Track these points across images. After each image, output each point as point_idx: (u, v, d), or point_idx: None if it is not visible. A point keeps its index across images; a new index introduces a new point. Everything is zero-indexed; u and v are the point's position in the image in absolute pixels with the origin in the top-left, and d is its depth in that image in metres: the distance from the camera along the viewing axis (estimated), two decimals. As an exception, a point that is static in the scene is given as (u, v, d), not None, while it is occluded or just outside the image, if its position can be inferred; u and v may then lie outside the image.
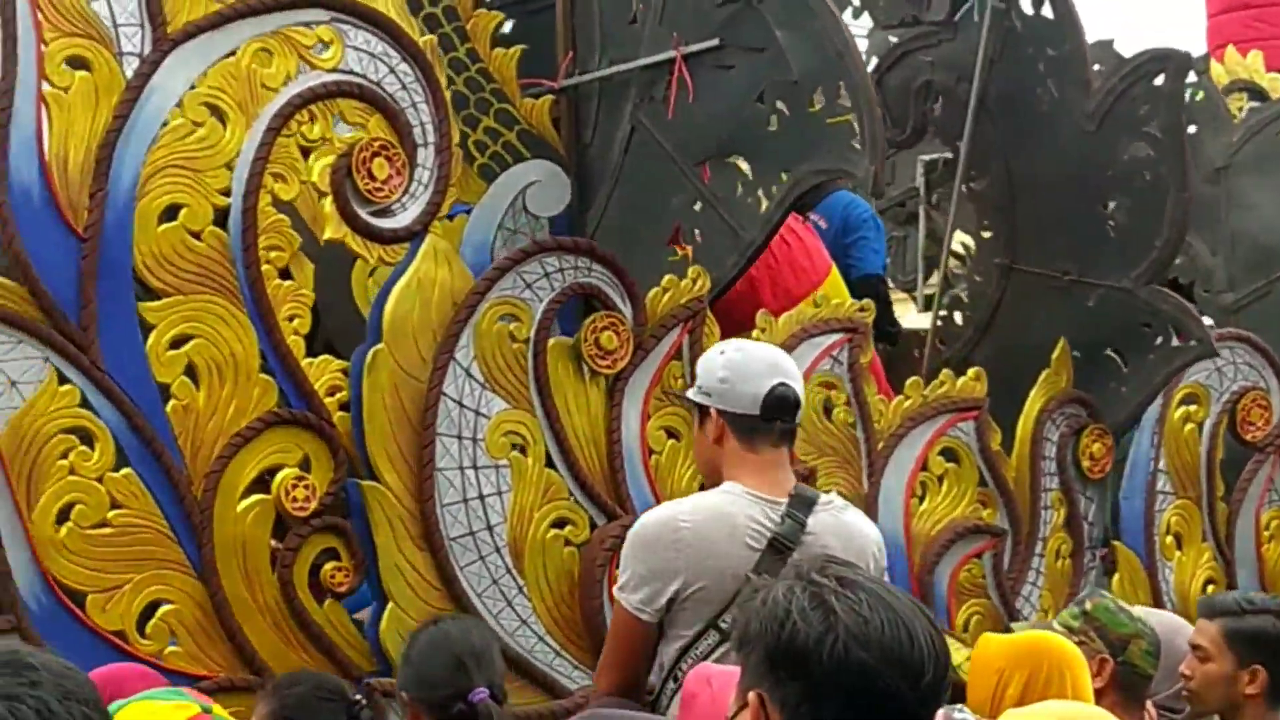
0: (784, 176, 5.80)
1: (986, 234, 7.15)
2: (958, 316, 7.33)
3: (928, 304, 7.89)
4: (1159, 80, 6.40)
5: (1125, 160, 6.51)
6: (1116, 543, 6.70)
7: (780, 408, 4.37)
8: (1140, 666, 4.47)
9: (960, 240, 7.81)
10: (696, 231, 6.10)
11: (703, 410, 4.43)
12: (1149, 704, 4.60)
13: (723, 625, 4.20)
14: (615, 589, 4.42)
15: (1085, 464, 6.55)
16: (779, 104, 5.83)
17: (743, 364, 4.40)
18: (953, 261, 7.65)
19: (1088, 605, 4.58)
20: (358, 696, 4.22)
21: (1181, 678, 4.72)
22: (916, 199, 8.05)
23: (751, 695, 2.34)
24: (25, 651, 2.03)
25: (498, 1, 6.59)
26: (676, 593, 4.25)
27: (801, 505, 4.33)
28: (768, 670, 2.33)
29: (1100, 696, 4.28)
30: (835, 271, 6.83)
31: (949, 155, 7.57)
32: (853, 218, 7.25)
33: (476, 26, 6.44)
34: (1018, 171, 6.82)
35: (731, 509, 4.29)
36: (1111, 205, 6.57)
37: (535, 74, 6.48)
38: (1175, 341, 6.54)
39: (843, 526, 4.41)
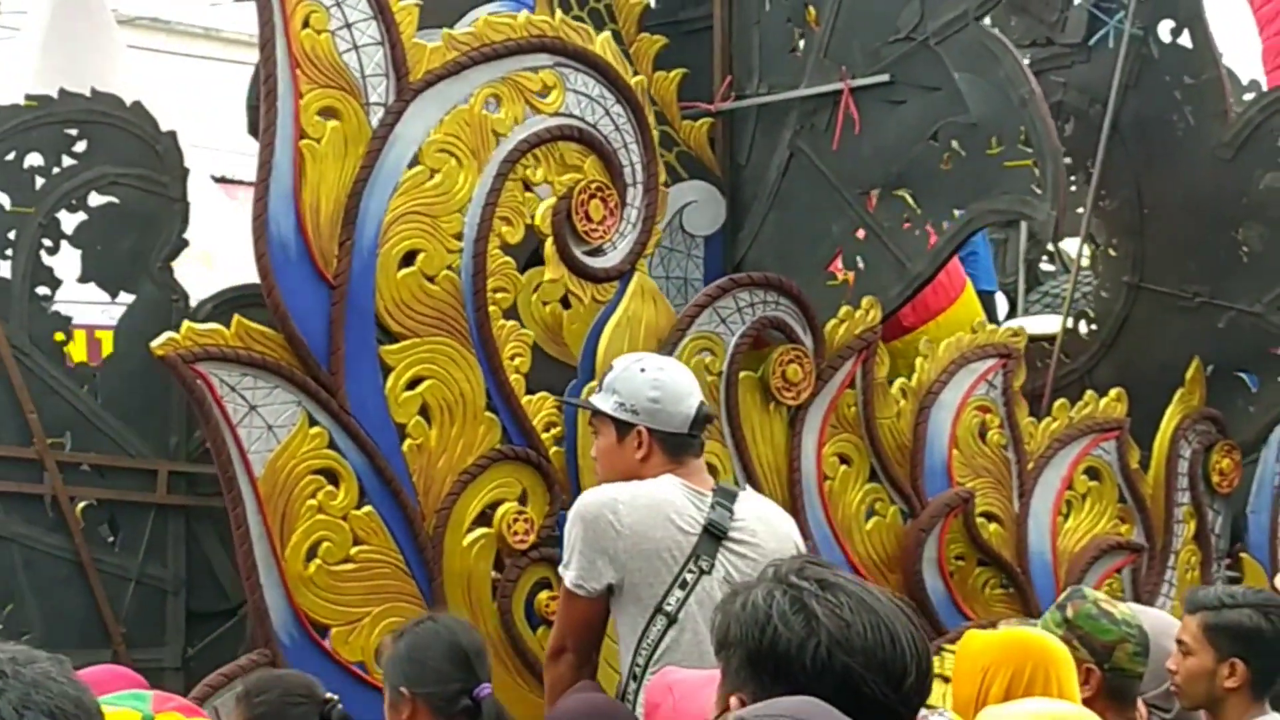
0: (956, 213, 6.06)
1: (1114, 252, 7.42)
2: (1082, 326, 7.61)
3: (1026, 310, 8.19)
4: (1302, 110, 6.71)
5: (1261, 189, 6.80)
6: (1244, 554, 7.05)
7: (703, 424, 4.65)
8: (1128, 669, 4.47)
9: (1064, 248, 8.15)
10: (859, 259, 6.35)
11: (621, 425, 4.60)
12: (1140, 702, 4.62)
13: (667, 609, 4.41)
14: (560, 569, 4.60)
15: (1215, 479, 6.91)
16: (953, 143, 6.08)
17: (671, 384, 4.60)
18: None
19: (1069, 612, 4.58)
20: (330, 695, 4.23)
21: (1168, 673, 4.75)
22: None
23: (733, 699, 2.33)
24: (12, 657, 1.96)
25: (657, 22, 6.76)
26: (620, 579, 4.44)
27: (727, 496, 4.57)
28: (750, 675, 2.33)
29: (1089, 704, 4.21)
30: (969, 287, 7.11)
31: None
32: None
33: (639, 50, 6.64)
34: (1149, 194, 7.11)
35: (668, 495, 4.49)
36: (1244, 232, 6.85)
37: (691, 96, 6.67)
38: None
39: (766, 515, 4.66)
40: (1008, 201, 5.97)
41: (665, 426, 4.57)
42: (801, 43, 6.52)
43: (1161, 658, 4.68)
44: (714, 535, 4.48)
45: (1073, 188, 7.25)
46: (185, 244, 6.10)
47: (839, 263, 6.47)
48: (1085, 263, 7.73)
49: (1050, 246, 8.33)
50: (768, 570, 2.41)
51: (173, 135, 5.88)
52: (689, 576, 4.47)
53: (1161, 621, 5.26)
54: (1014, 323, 7.44)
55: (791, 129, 6.49)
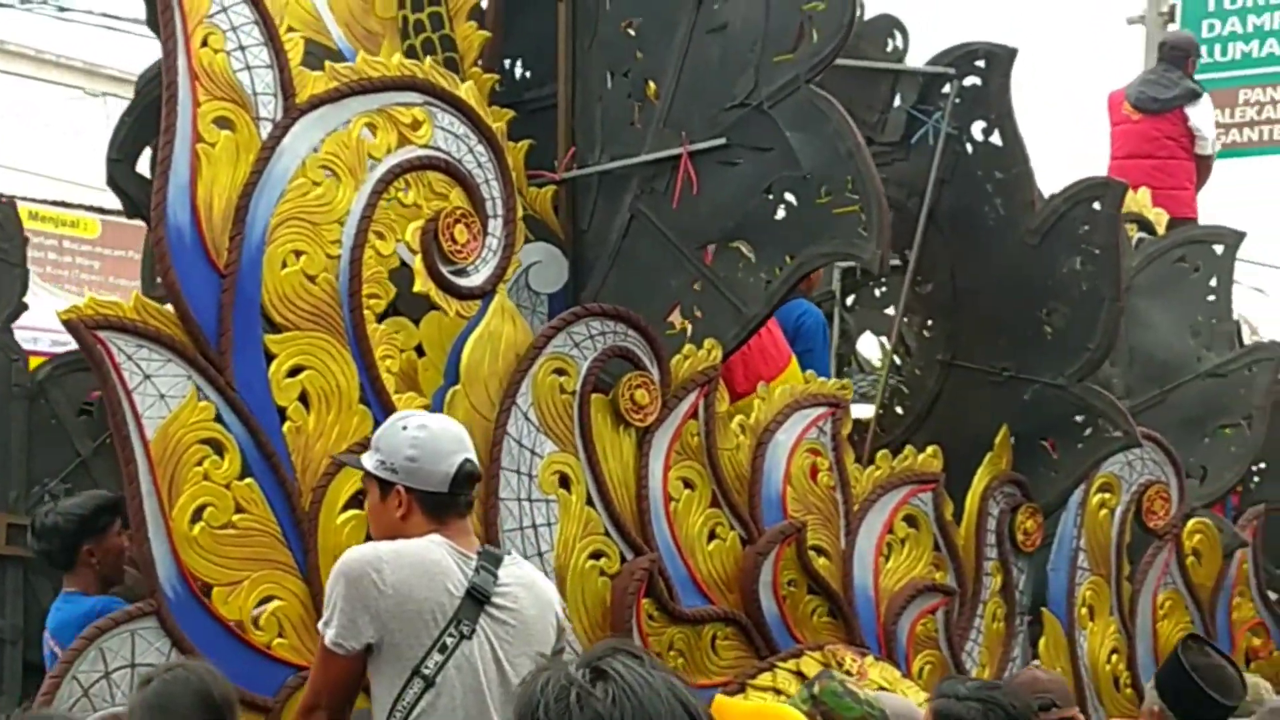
0: (789, 259, 6.71)
1: (928, 333, 8.12)
2: (898, 407, 8.26)
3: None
4: (1098, 205, 7.46)
5: (1064, 273, 7.51)
6: (1044, 610, 7.67)
7: (467, 483, 4.78)
8: None
9: (879, 340, 8.85)
10: (696, 309, 6.96)
11: (383, 483, 4.78)
12: None
13: (425, 672, 4.55)
14: (319, 625, 4.76)
15: (1020, 538, 7.53)
16: (786, 195, 6.75)
17: (430, 442, 4.74)
18: (874, 357, 8.63)
19: (816, 689, 4.95)
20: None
21: None
22: (832, 301, 8.96)
23: None
24: None
25: (505, 102, 7.38)
26: (379, 639, 4.56)
27: (491, 560, 4.72)
28: None
29: None
30: (795, 361, 7.74)
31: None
32: (805, 326, 8.09)
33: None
34: (962, 279, 7.80)
35: (434, 555, 4.63)
36: (1049, 311, 7.55)
37: (536, 166, 7.26)
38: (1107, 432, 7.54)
39: (530, 580, 4.85)
40: (836, 245, 6.61)
41: (424, 485, 4.72)
42: (641, 115, 7.17)
43: None
44: (477, 599, 4.61)
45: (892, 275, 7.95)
46: (25, 307, 6.69)
47: (677, 314, 7.05)
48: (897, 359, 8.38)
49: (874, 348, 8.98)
50: (573, 656, 2.66)
51: (12, 203, 6.44)
52: (449, 640, 4.58)
53: (904, 707, 5.81)
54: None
55: (632, 193, 7.11)
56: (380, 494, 4.81)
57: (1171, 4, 17.52)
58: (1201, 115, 11.34)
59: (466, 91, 6.33)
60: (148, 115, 6.61)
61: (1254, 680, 7.09)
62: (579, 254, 7.30)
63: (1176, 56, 11.70)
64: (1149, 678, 7.79)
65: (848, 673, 6.57)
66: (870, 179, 6.48)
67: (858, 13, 6.66)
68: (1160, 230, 9.59)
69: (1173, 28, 17.02)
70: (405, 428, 4.79)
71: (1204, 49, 16.53)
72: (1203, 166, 11.43)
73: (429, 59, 6.82)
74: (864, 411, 8.09)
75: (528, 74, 7.67)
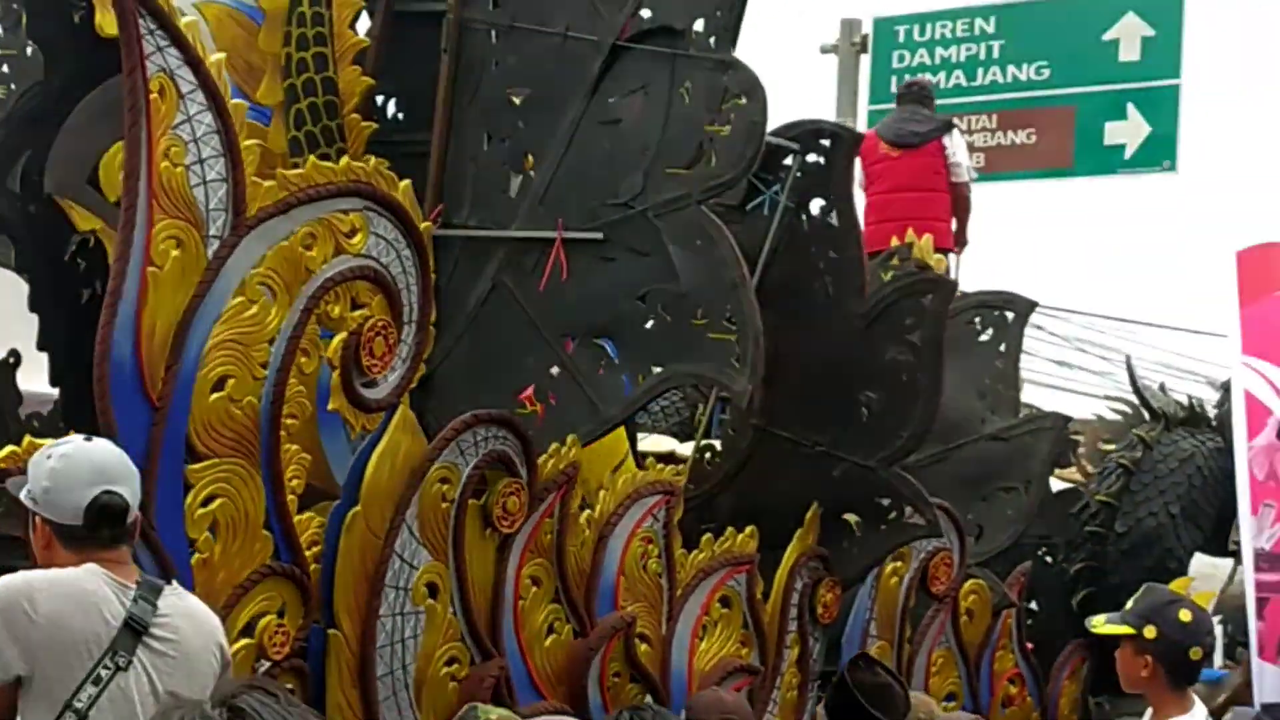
0: (655, 369, 6.78)
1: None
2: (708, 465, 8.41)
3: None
4: (927, 300, 7.71)
5: (886, 360, 7.75)
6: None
7: (105, 518, 4.57)
8: None
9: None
10: (551, 395, 6.98)
11: (30, 512, 4.64)
12: None
13: (77, 706, 4.37)
14: None
15: (819, 610, 7.85)
16: (660, 307, 6.79)
17: (65, 472, 4.56)
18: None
19: None
20: None
21: None
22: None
23: None
24: None
25: (379, 140, 7.19)
26: (30, 672, 4.37)
27: (151, 590, 4.59)
28: None
29: None
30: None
31: None
32: None
33: (365, 170, 7.09)
34: (785, 350, 7.89)
35: (89, 585, 4.47)
36: (867, 394, 7.79)
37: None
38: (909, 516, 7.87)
39: (191, 611, 4.74)
40: (708, 368, 6.75)
41: (58, 517, 4.58)
42: (515, 185, 7.09)
43: None
44: (134, 630, 4.48)
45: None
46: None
47: (530, 393, 7.05)
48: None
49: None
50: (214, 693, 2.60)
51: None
52: (104, 672, 4.42)
53: None
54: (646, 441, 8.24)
55: (497, 263, 7.06)
56: (29, 523, 4.69)
57: (864, 35, 17.94)
58: (956, 145, 11.85)
59: (403, 194, 6.14)
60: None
61: (920, 698, 7.60)
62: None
63: (923, 96, 12.21)
64: (917, 733, 8.34)
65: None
66: (752, 315, 6.64)
67: (760, 147, 6.67)
68: (941, 276, 9.91)
69: (864, 59, 17.80)
70: (49, 457, 4.64)
71: (893, 79, 17.31)
72: (960, 194, 11.88)
73: (308, 100, 6.58)
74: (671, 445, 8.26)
75: (400, 115, 7.45)
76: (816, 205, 7.93)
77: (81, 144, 6.02)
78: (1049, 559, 10.23)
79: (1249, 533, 10.09)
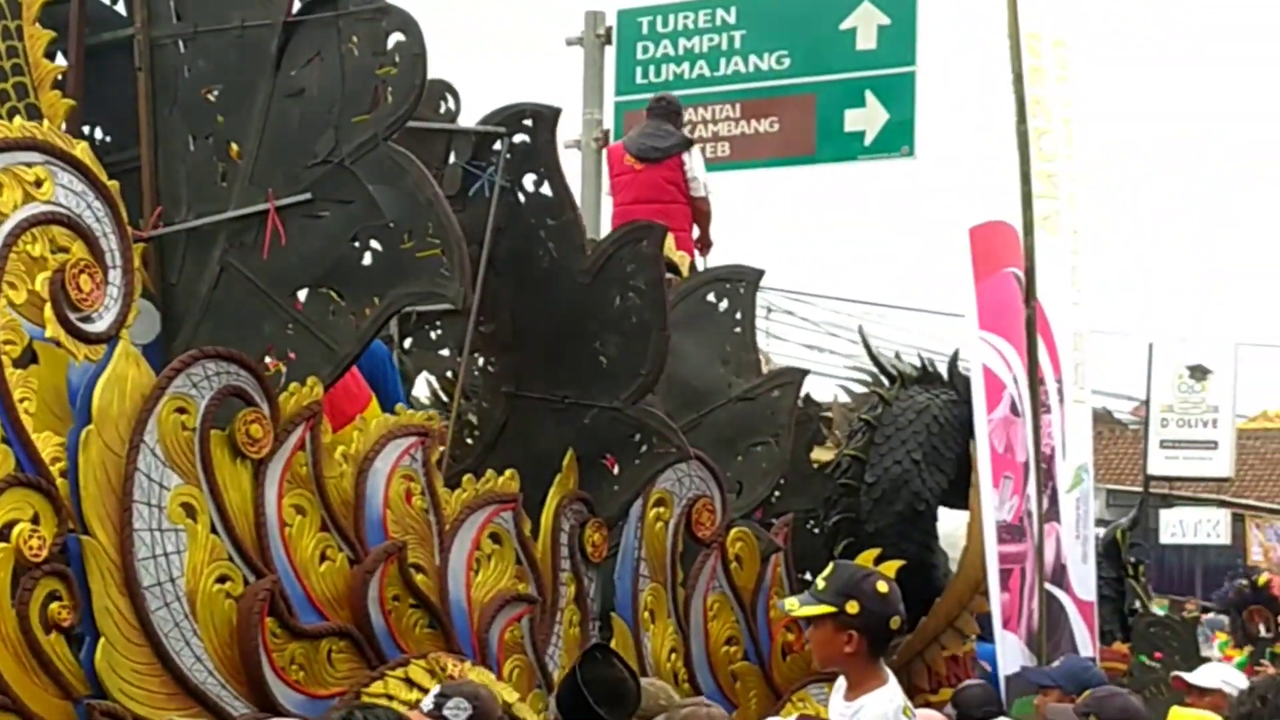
0: (377, 300, 7.32)
1: (493, 368, 8.81)
2: (468, 439, 8.91)
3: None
4: (643, 245, 8.32)
5: (615, 307, 8.33)
6: (613, 614, 8.44)
7: None
8: None
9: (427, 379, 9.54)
10: (290, 351, 7.48)
11: None
12: None
13: None
14: None
15: (589, 550, 8.29)
16: (372, 243, 7.35)
17: None
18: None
19: None
20: None
21: None
22: (391, 343, 9.54)
23: None
24: None
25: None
26: None
27: None
28: None
29: None
30: (375, 398, 8.33)
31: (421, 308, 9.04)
32: (375, 354, 8.63)
33: (78, 189, 7.69)
34: (522, 317, 8.52)
35: None
36: (603, 343, 8.35)
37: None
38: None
39: None
40: (421, 285, 7.25)
41: None
42: (225, 174, 7.66)
43: None
44: None
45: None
46: None
47: (270, 357, 7.54)
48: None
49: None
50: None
51: None
52: None
53: None
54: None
55: (221, 248, 7.56)
56: None
57: (608, 26, 18.28)
58: (695, 162, 12.52)
59: (81, 151, 6.73)
60: None
61: (655, 685, 7.88)
62: (169, 306, 7.69)
63: (669, 111, 12.88)
64: (703, 673, 8.74)
65: (450, 677, 7.19)
66: (450, 225, 7.17)
67: (426, 75, 7.29)
68: (684, 273, 10.57)
69: (610, 50, 18.14)
70: None
71: (638, 70, 17.99)
72: (699, 209, 12.59)
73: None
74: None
75: (108, 139, 8.04)
76: (529, 180, 8.55)
77: None
78: (815, 530, 10.77)
79: (990, 505, 10.62)
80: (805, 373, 10.18)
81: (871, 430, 11.13)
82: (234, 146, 7.58)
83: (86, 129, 7.98)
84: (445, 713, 6.00)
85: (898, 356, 11.90)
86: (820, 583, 5.95)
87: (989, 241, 11.05)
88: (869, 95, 16.39)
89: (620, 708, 6.08)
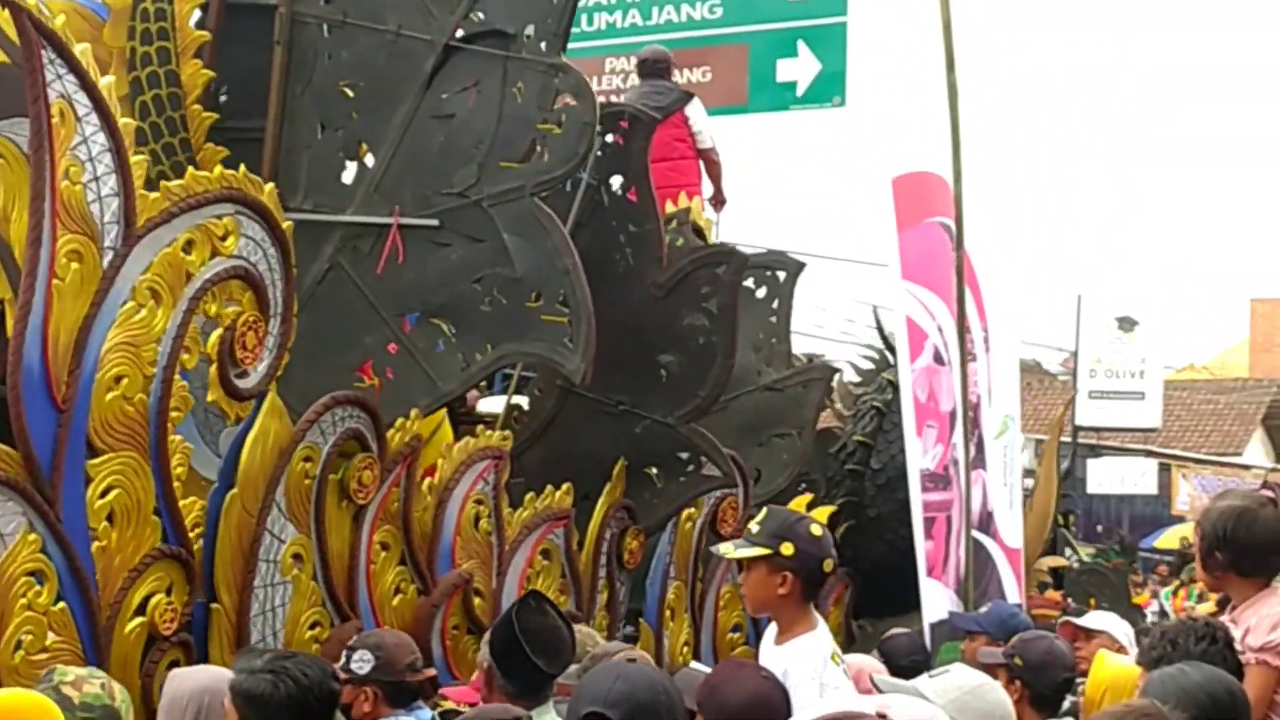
0: (489, 348, 7.24)
1: (552, 360, 8.75)
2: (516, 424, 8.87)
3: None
4: (721, 270, 8.27)
5: (684, 325, 8.31)
6: (641, 620, 8.60)
7: None
8: None
9: None
10: (389, 370, 7.38)
11: None
12: None
13: None
14: None
15: (625, 557, 8.41)
16: (495, 290, 7.23)
17: None
18: None
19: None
20: None
21: None
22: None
23: None
24: None
25: (215, 125, 7.45)
26: None
27: None
28: None
29: None
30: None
31: None
32: None
33: (205, 158, 7.38)
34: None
35: None
36: (666, 357, 8.34)
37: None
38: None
39: None
40: (541, 348, 7.21)
41: None
42: (350, 171, 7.44)
43: None
44: None
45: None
46: None
47: (369, 368, 7.45)
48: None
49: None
50: None
51: None
52: None
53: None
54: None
55: (334, 245, 7.42)
56: None
57: None
58: (697, 114, 12.21)
59: (268, 197, 6.47)
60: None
61: (584, 631, 7.96)
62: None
63: (660, 69, 12.52)
64: (708, 660, 8.97)
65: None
66: (585, 299, 7.10)
67: (592, 146, 7.11)
68: (711, 237, 10.47)
69: None
70: None
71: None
72: (710, 159, 12.36)
73: (152, 92, 6.86)
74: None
75: (231, 101, 7.70)
76: (616, 182, 8.40)
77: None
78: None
79: (915, 454, 10.61)
80: (836, 370, 10.26)
81: (881, 416, 11.24)
82: (364, 147, 7.36)
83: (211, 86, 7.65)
84: (351, 665, 6.16)
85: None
86: (754, 527, 5.88)
87: (914, 191, 10.92)
88: (801, 45, 16.08)
89: (556, 658, 6.20)
